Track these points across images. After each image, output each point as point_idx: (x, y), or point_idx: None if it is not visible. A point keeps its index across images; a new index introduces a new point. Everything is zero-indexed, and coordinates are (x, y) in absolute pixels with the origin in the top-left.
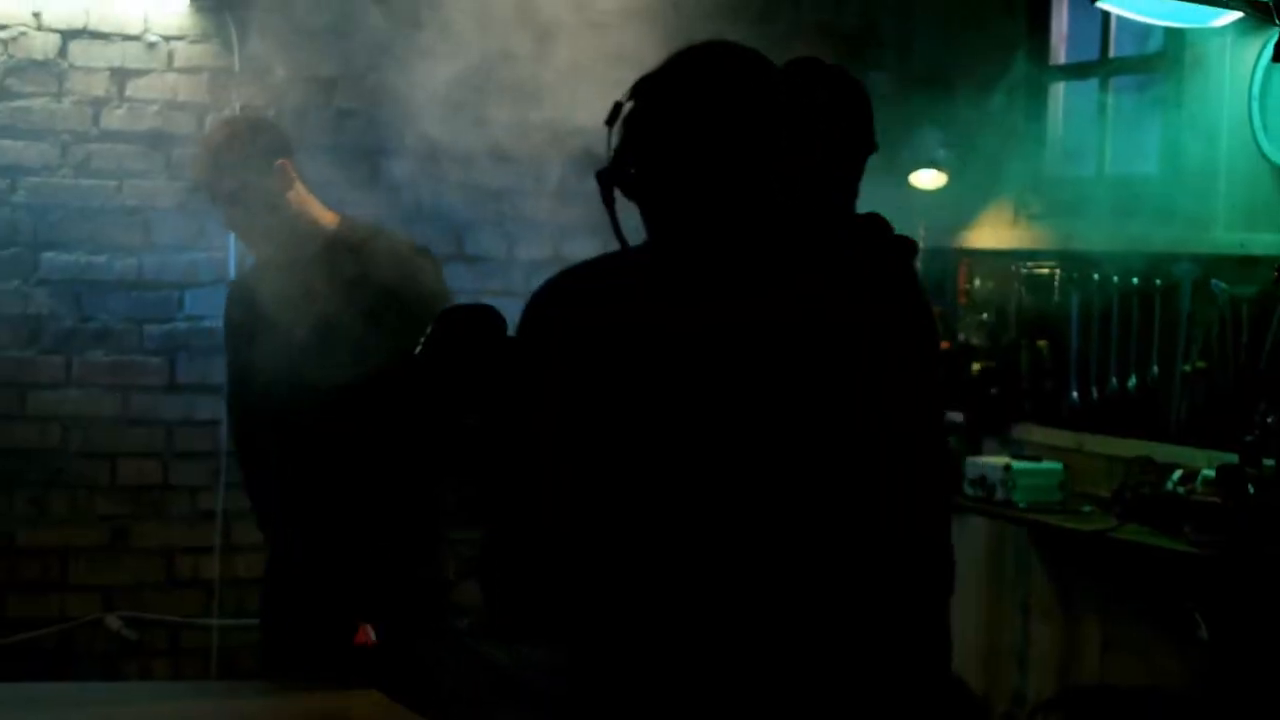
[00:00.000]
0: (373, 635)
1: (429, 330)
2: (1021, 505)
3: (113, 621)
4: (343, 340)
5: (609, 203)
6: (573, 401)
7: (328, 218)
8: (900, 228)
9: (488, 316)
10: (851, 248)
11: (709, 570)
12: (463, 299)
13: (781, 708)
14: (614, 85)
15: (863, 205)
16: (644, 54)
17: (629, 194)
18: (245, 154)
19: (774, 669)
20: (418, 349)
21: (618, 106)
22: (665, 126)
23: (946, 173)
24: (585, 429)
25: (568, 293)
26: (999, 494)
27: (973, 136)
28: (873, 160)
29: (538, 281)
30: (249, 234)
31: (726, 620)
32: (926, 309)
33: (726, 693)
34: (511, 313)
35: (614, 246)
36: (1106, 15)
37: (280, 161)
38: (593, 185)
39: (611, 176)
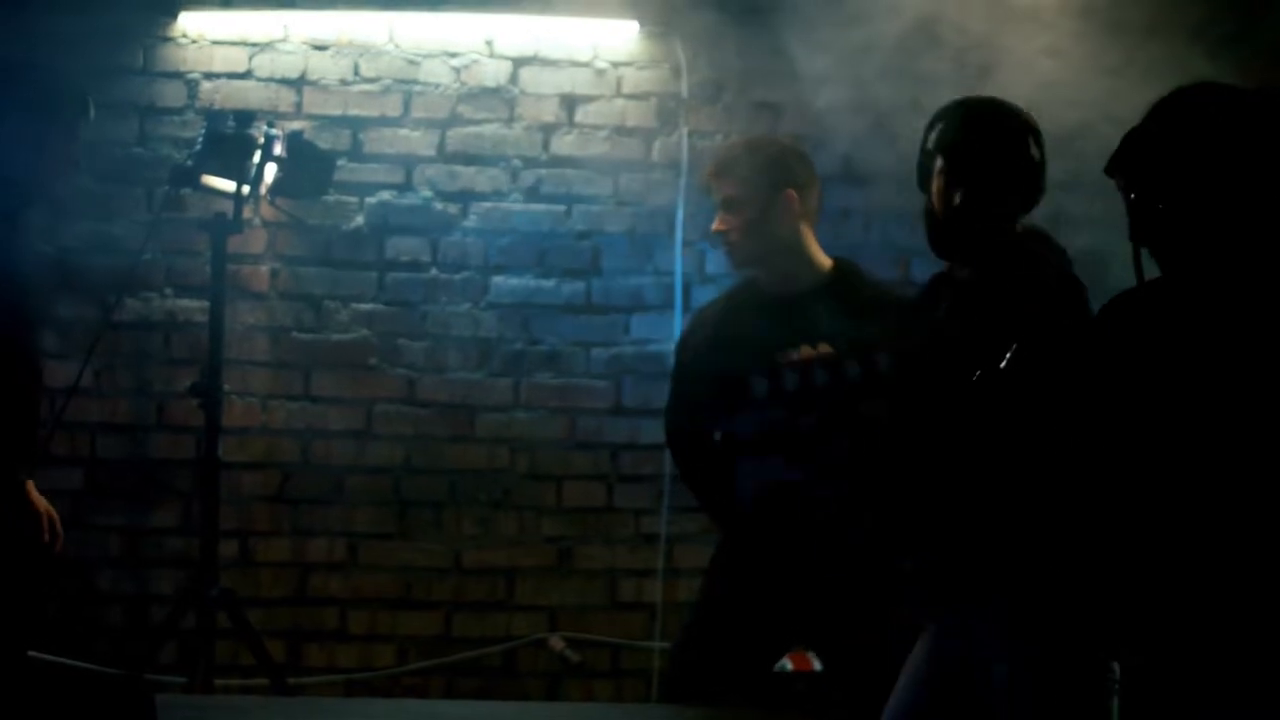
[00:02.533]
0: (816, 664)
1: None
2: None
3: (556, 642)
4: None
5: (1138, 240)
6: (1139, 413)
7: (824, 260)
8: None
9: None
10: None
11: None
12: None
13: None
14: (1061, 108)
15: None
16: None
17: (1150, 233)
18: (755, 169)
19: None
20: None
21: (1124, 151)
22: (1195, 167)
23: None
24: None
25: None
26: None
27: None
28: None
29: None
30: (738, 250)
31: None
32: None
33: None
34: None
35: None
36: None
37: (789, 191)
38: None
39: (1141, 217)
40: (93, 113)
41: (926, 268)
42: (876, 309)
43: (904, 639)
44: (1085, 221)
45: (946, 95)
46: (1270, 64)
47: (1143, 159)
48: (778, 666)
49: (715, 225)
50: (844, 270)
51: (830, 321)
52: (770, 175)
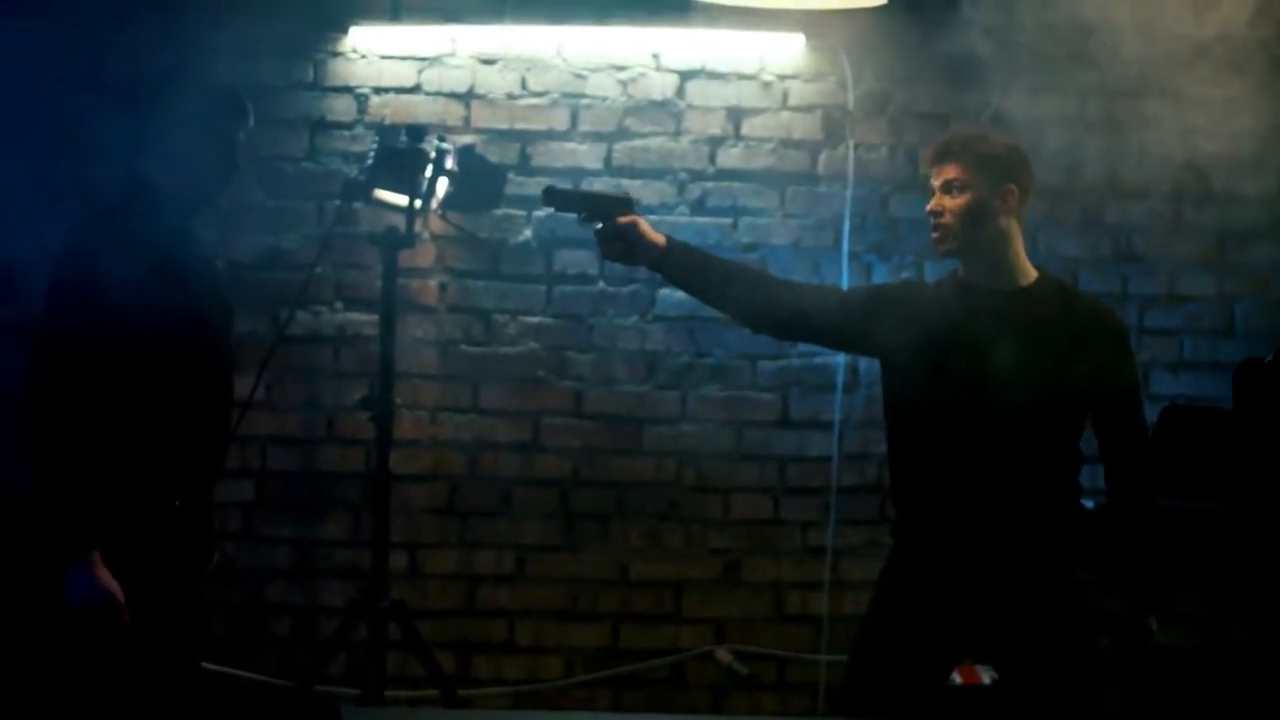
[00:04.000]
0: (985, 677)
1: None
2: None
3: (723, 654)
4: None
5: None
6: None
7: (1030, 267)
8: None
9: None
10: None
11: None
12: None
13: None
14: (1223, 118)
15: None
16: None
17: None
18: (984, 156)
19: None
20: None
21: None
22: None
23: None
24: None
25: None
26: None
27: None
28: None
29: (1151, 319)
30: (950, 234)
31: None
32: None
33: None
34: None
35: None
36: None
37: (1011, 185)
38: (1206, 221)
39: None
40: (251, 119)
41: (1091, 281)
42: (1096, 323)
43: (1079, 652)
44: None
45: (1106, 106)
46: None
47: None
48: (948, 681)
49: (931, 205)
50: (1053, 278)
51: (1047, 326)
52: (997, 165)
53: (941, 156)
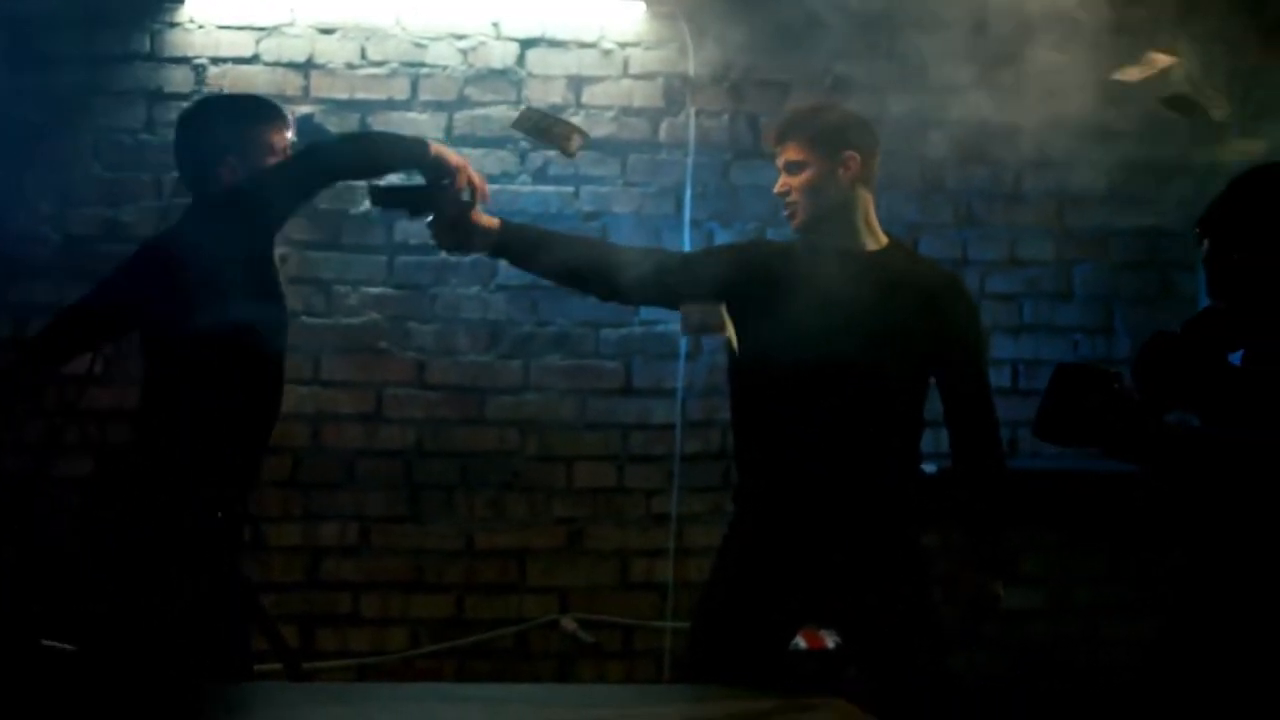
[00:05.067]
0: (829, 642)
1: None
2: None
3: (568, 623)
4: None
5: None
6: None
7: (880, 233)
8: None
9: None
10: None
11: None
12: None
13: None
14: (1062, 84)
15: None
16: (1104, 54)
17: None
18: (818, 132)
19: None
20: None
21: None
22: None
23: None
24: None
25: None
26: None
27: None
28: None
29: (992, 283)
30: (800, 211)
31: None
32: None
33: None
34: None
35: None
36: None
37: (849, 154)
38: (1045, 187)
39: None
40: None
41: (932, 245)
42: (943, 289)
43: (925, 616)
44: None
45: (947, 72)
46: None
47: (1225, 222)
48: (791, 645)
49: (778, 187)
50: (902, 244)
51: (895, 290)
52: (833, 138)
53: (780, 138)
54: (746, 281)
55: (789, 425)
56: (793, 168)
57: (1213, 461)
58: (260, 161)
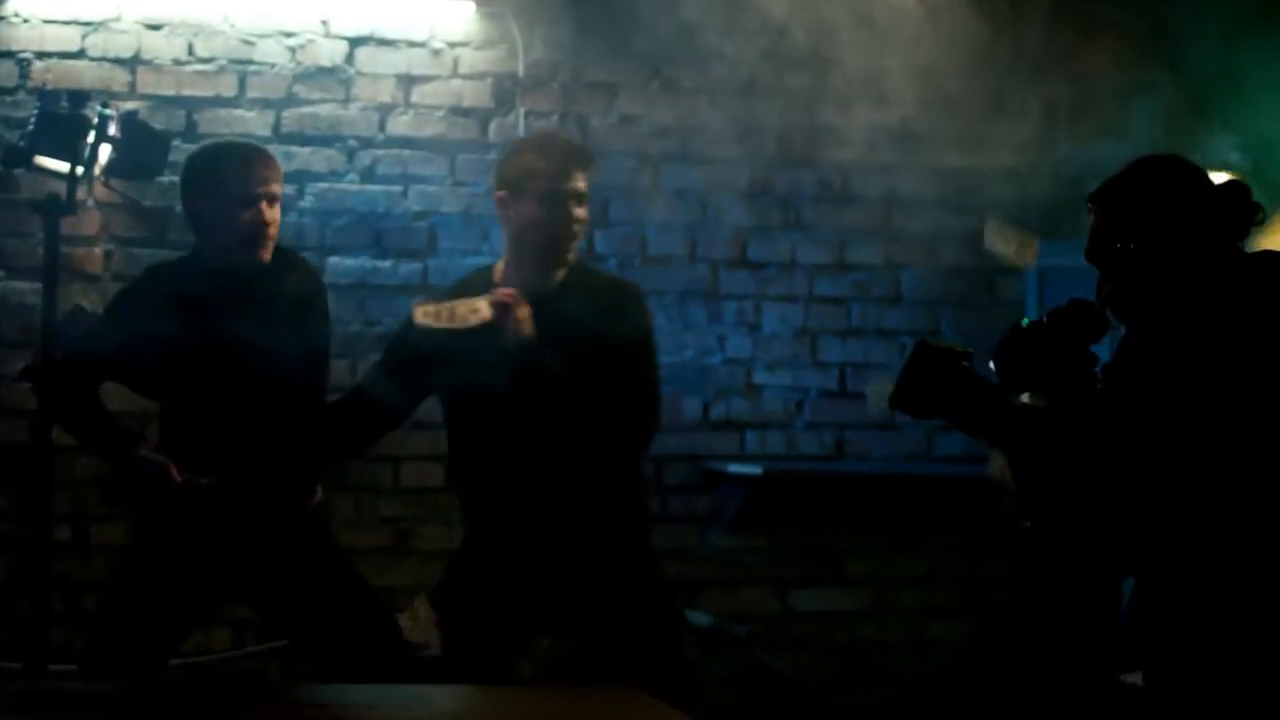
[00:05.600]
0: None
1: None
2: None
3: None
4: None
5: (1091, 258)
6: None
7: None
8: None
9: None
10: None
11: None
12: (747, 303)
13: None
14: (890, 88)
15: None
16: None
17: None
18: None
19: None
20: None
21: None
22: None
23: (1239, 175)
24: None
25: None
26: None
27: (1268, 137)
28: None
29: (820, 287)
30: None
31: None
32: None
33: None
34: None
35: None
36: None
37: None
38: (874, 191)
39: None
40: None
41: (761, 248)
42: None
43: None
44: None
45: (775, 76)
46: None
47: (1114, 198)
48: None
49: (581, 216)
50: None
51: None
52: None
53: (584, 164)
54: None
55: (498, 439)
56: (583, 198)
57: (1048, 434)
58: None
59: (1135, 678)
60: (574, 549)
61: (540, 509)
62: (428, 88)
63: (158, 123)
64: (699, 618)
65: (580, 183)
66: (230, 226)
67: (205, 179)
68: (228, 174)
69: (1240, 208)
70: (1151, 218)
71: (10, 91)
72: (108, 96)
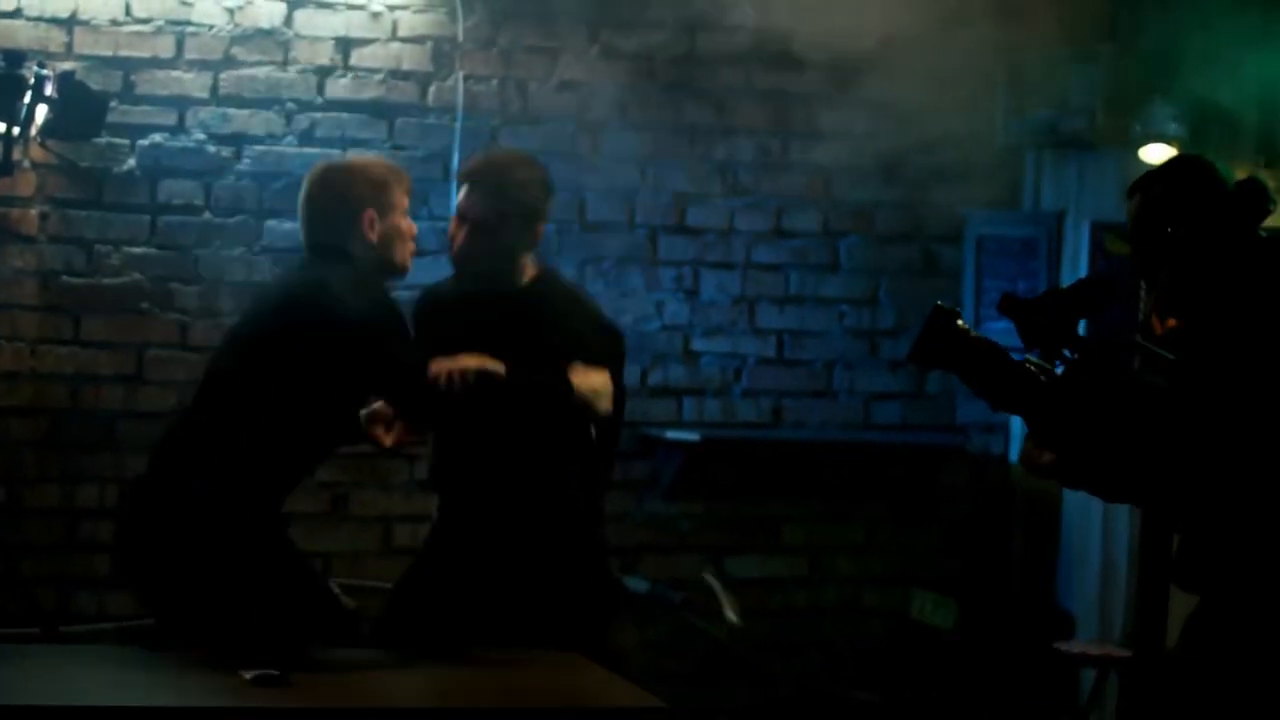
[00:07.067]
0: None
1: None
2: None
3: (331, 588)
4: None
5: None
6: None
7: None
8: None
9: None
10: None
11: None
12: (685, 269)
13: None
14: (839, 52)
15: (1093, 178)
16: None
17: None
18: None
19: None
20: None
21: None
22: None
23: (1178, 146)
24: None
25: None
26: None
27: (1206, 109)
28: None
29: (758, 254)
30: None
31: None
32: None
33: None
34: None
35: None
36: None
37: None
38: (813, 158)
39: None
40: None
41: (700, 214)
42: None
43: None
44: None
45: (710, 42)
46: None
47: (1158, 187)
48: None
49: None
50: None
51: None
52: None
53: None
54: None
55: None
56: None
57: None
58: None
59: (1070, 646)
60: (532, 550)
61: (508, 509)
62: (366, 50)
63: (94, 83)
64: (636, 583)
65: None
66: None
67: None
68: None
69: (1259, 200)
70: (1192, 206)
71: None
72: (44, 57)
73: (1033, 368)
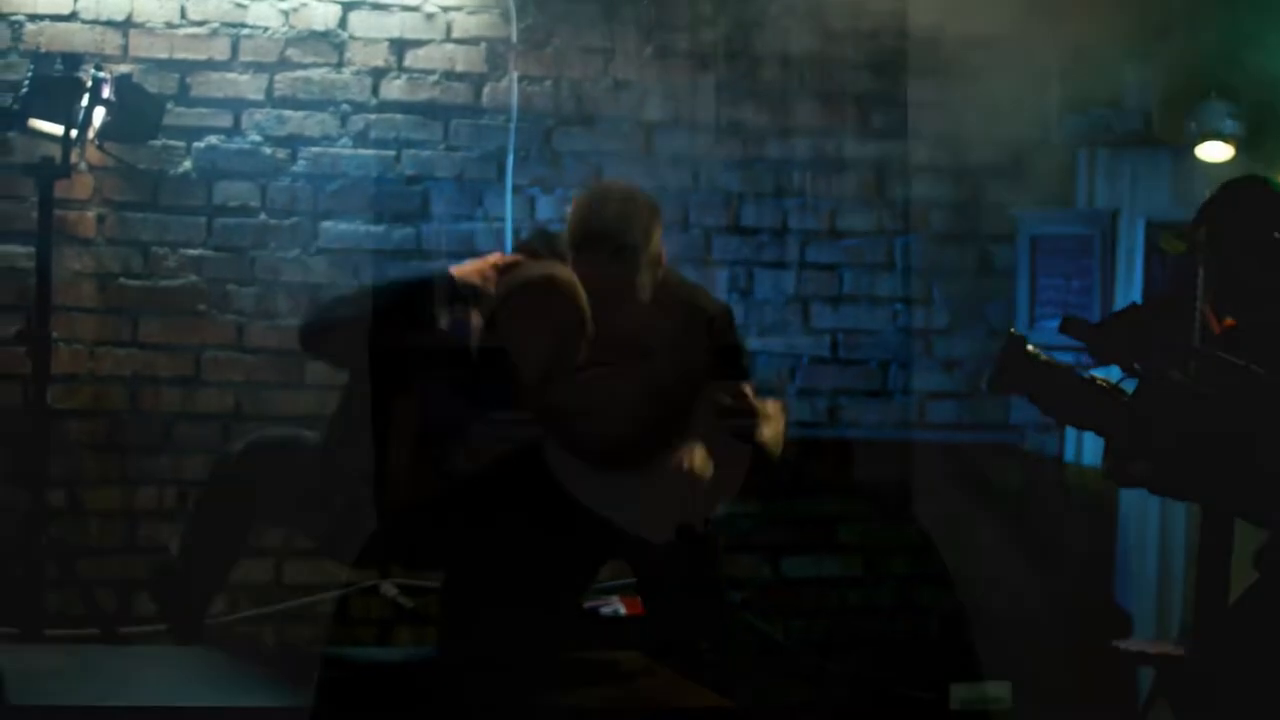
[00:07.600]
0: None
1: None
2: None
3: (388, 588)
4: None
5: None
6: None
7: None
8: (1186, 201)
9: None
10: None
11: None
12: (739, 269)
13: None
14: (893, 54)
15: (1147, 177)
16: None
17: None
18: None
19: None
20: None
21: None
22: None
23: (1234, 144)
24: None
25: None
26: None
27: (1263, 106)
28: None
29: (812, 253)
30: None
31: None
32: None
33: None
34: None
35: None
36: None
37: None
38: (866, 155)
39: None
40: None
41: (753, 214)
42: None
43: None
44: None
45: (770, 41)
46: None
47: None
48: (609, 610)
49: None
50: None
51: None
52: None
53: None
54: None
55: None
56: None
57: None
58: None
59: (1127, 644)
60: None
61: None
62: (421, 52)
63: (150, 86)
64: None
65: None
66: None
67: None
68: None
69: None
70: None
71: (3, 54)
72: (101, 60)
73: (1103, 384)
